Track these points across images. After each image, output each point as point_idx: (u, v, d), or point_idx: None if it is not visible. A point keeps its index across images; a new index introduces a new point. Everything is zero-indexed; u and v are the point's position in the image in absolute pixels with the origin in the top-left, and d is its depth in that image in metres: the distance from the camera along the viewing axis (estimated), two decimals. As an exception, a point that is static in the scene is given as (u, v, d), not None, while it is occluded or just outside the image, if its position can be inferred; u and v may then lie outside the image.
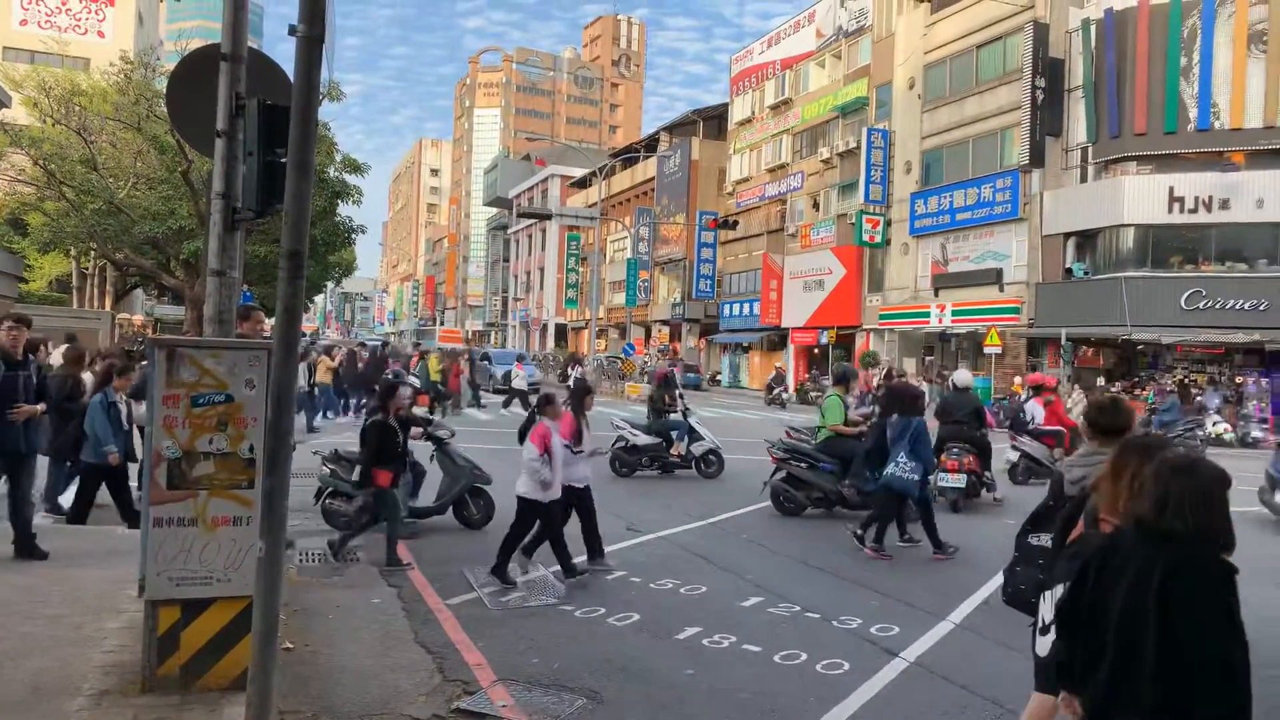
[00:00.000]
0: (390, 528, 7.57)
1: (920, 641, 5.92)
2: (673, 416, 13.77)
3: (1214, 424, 21.48)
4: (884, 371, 26.76)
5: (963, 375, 12.76)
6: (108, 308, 37.47)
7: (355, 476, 8.16)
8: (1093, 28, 26.24)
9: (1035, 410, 13.17)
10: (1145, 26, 25.24)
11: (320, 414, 18.58)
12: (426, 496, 9.22)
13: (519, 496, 7.09)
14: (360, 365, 22.20)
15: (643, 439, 13.20)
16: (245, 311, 6.79)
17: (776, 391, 31.54)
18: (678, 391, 14.30)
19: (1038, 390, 13.67)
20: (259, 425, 4.34)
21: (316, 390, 18.32)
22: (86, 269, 36.56)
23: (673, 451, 13.19)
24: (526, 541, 7.27)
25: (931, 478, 11.30)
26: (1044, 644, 3.33)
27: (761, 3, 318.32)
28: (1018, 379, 25.53)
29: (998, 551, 8.71)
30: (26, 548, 6.78)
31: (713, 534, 9.26)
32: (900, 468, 8.37)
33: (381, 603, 6.49)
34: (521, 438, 7.23)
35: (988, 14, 29.72)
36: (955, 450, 11.03)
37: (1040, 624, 3.41)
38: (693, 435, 13.20)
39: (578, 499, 7.52)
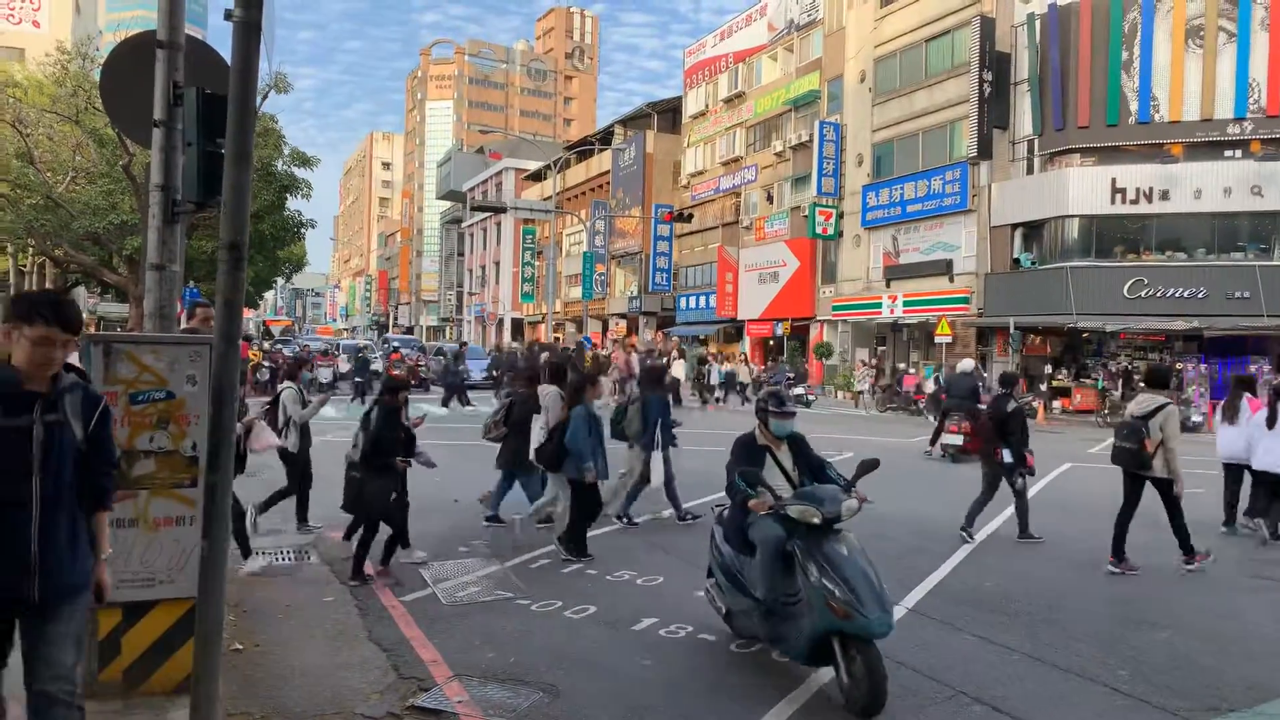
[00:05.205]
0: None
1: (873, 626, 5.98)
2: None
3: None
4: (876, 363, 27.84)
5: (965, 363, 16.58)
6: (47, 306, 36.31)
7: None
8: (1037, 22, 26.73)
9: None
10: (1088, 21, 25.78)
11: None
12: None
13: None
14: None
15: None
16: (193, 309, 6.71)
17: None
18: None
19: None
20: (202, 422, 4.23)
21: None
22: (24, 266, 35.49)
23: None
24: None
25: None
26: None
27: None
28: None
29: (950, 537, 8.86)
30: None
31: (670, 525, 9.28)
32: None
33: (334, 601, 6.40)
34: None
35: (936, 8, 30.11)
36: (956, 417, 14.85)
37: None
38: None
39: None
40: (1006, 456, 8.58)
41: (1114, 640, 5.87)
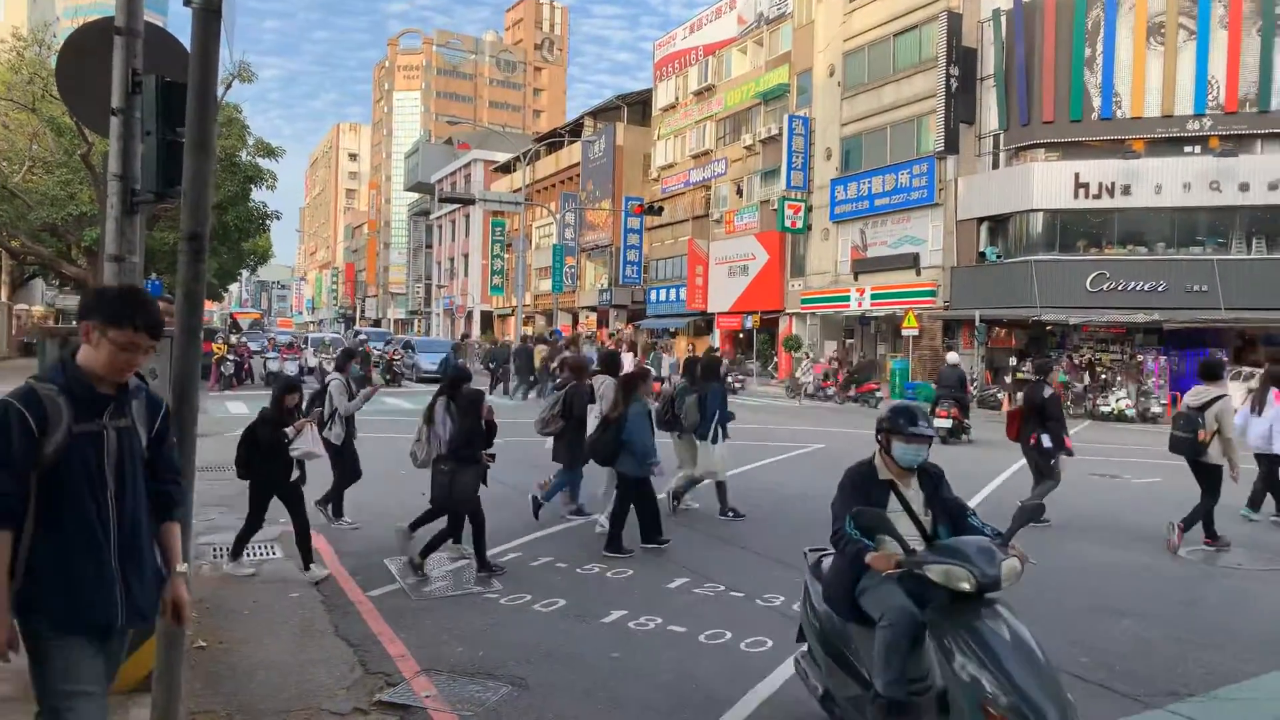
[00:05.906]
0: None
1: (841, 617, 6.03)
2: None
3: (1116, 400, 22.47)
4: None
5: (953, 355, 18.51)
6: (4, 298, 35.73)
7: None
8: (1003, 18, 27.01)
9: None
10: (1052, 18, 26.10)
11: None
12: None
13: None
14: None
15: None
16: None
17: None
18: None
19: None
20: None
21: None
22: (-21, 258, 34.71)
23: None
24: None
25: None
26: None
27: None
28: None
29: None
30: None
31: (639, 518, 9.27)
32: None
33: (300, 596, 6.33)
34: None
35: (904, 3, 30.31)
36: (946, 403, 16.42)
37: None
38: None
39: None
40: (1046, 442, 8.86)
41: (1077, 628, 5.97)
